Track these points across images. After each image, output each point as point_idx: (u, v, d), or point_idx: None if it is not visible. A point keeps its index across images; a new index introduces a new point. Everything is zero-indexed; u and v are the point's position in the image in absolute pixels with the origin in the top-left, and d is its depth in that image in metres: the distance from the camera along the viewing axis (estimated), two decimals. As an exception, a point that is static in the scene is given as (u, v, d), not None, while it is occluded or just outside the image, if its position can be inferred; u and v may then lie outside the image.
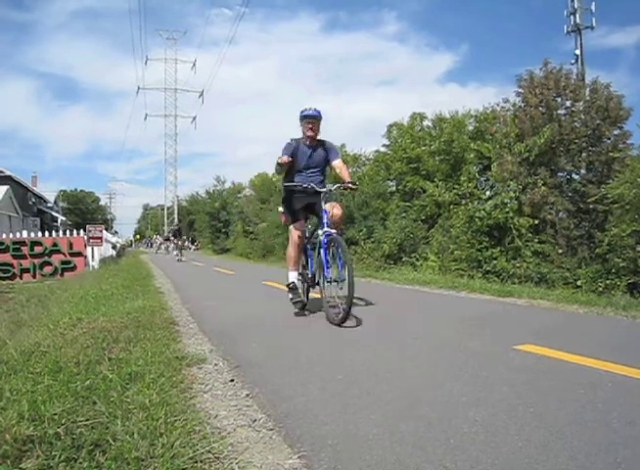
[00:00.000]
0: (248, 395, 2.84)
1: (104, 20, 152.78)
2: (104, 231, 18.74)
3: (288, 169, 5.56)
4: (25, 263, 15.91)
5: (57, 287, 10.73)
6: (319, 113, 5.66)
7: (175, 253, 26.58)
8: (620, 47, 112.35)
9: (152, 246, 54.87)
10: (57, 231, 18.66)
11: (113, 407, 2.39)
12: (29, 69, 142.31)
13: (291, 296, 5.74)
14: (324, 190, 5.38)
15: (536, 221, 12.59)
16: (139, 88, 63.91)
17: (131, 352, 3.60)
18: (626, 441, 2.11)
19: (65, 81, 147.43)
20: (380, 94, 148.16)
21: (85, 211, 79.98)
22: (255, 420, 2.44)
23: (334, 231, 5.17)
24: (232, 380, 3.12)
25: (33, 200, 43.88)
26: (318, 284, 5.61)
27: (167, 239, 34.19)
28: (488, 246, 12.24)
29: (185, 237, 30.81)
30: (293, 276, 5.78)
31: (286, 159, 5.26)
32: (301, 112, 5.58)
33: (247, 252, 29.21)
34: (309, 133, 5.59)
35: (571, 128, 13.73)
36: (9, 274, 15.63)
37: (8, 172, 36.37)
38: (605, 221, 12.47)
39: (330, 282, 5.21)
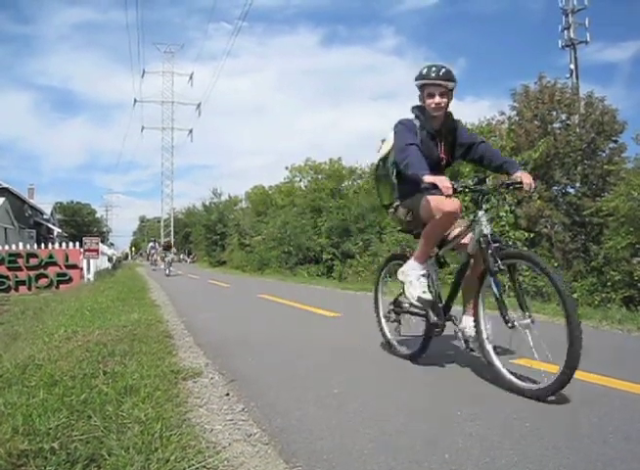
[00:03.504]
0: (243, 409, 2.83)
1: (103, 33, 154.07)
2: (100, 243, 18.72)
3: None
4: (21, 275, 15.87)
5: (52, 299, 10.71)
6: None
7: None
8: (615, 62, 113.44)
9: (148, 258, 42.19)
10: (53, 243, 18.64)
11: (108, 422, 2.39)
12: (29, 81, 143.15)
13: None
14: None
15: (532, 235, 12.65)
16: (136, 101, 64.19)
17: (127, 365, 3.59)
18: (623, 456, 2.11)
19: (63, 94, 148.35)
20: (378, 107, 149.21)
21: (81, 224, 79.75)
22: (251, 434, 2.43)
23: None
24: (227, 394, 3.11)
25: (30, 212, 43.78)
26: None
27: (167, 247, 25.84)
28: (484, 259, 12.27)
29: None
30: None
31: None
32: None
33: (242, 264, 29.19)
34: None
35: (566, 142, 13.85)
36: (4, 286, 15.58)
37: (4, 184, 36.36)
38: (600, 234, 12.53)
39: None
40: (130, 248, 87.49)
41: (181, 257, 59.35)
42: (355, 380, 3.43)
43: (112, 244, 74.43)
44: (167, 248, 25.15)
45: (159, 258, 28.06)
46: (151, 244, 31.26)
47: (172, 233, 60.83)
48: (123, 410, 2.55)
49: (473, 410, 2.70)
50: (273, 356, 4.33)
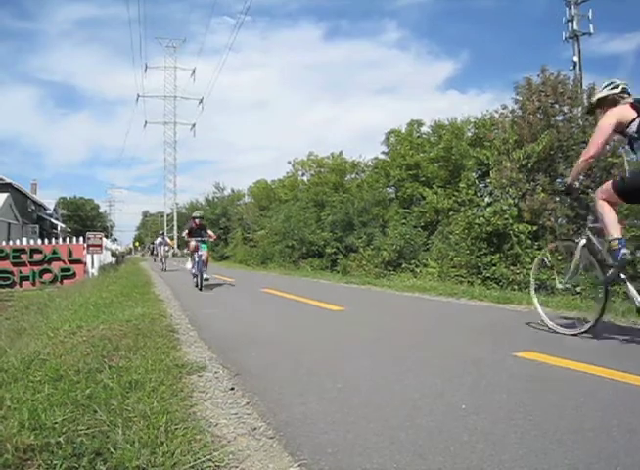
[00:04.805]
0: (248, 403, 2.84)
1: (105, 28, 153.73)
2: (103, 238, 18.73)
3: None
4: (25, 271, 15.91)
5: (56, 295, 10.73)
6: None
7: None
8: (619, 53, 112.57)
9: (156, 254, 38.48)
10: (56, 238, 18.67)
11: (113, 416, 2.40)
12: (32, 77, 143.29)
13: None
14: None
15: (535, 228, 12.62)
16: (139, 96, 64.18)
17: (131, 360, 3.60)
18: (627, 449, 2.10)
19: (66, 89, 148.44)
20: (380, 101, 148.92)
21: (85, 219, 79.97)
22: (256, 428, 2.44)
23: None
24: (232, 388, 3.12)
25: (33, 207, 43.91)
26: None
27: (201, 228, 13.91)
28: (488, 252, 12.27)
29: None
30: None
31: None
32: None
33: (246, 259, 29.23)
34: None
35: (569, 134, 13.78)
36: (9, 282, 15.62)
37: (8, 180, 36.41)
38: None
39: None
40: (134, 242, 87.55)
41: (185, 251, 59.37)
42: (358, 375, 3.44)
43: (115, 239, 74.60)
44: (201, 229, 11.86)
45: (169, 255, 22.23)
46: (159, 239, 24.37)
47: (175, 228, 60.84)
48: (128, 405, 2.56)
49: (477, 403, 2.70)
50: (277, 351, 4.34)
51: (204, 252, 11.01)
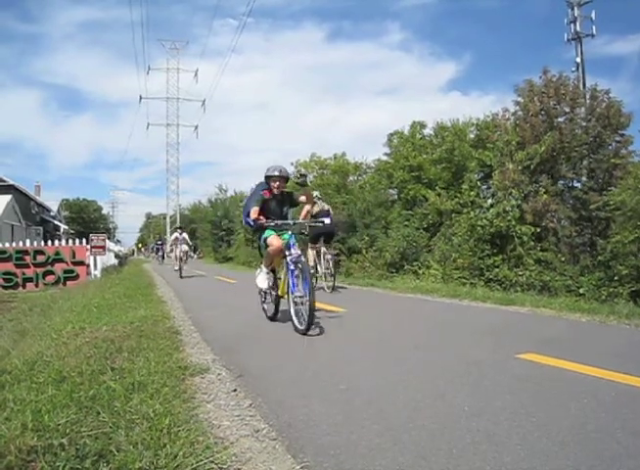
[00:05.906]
0: (250, 404, 2.84)
1: (108, 31, 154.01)
2: (106, 240, 18.76)
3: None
4: (29, 272, 15.94)
5: (59, 296, 10.75)
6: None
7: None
8: (622, 55, 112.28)
9: (162, 254, 33.15)
10: (59, 240, 18.72)
11: (116, 417, 2.40)
12: (35, 79, 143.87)
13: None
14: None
15: (538, 229, 12.58)
16: (141, 97, 64.19)
17: (134, 361, 3.61)
18: (630, 451, 2.10)
19: (69, 92, 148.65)
20: (382, 103, 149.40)
21: (88, 220, 79.96)
22: (258, 430, 2.44)
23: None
24: (235, 390, 3.12)
25: (36, 209, 43.96)
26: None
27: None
28: (490, 254, 12.24)
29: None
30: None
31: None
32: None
33: (249, 260, 29.18)
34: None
35: (572, 136, 13.75)
36: (12, 283, 15.65)
37: (11, 182, 36.45)
38: (607, 229, 12.47)
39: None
40: (137, 244, 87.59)
41: (200, 254, 59.30)
42: (361, 376, 3.44)
43: (118, 240, 74.73)
44: (283, 202, 6.12)
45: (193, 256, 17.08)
46: (176, 234, 18.91)
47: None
48: (131, 406, 2.56)
49: (479, 405, 2.70)
50: (280, 353, 4.34)
51: (297, 250, 5.62)
